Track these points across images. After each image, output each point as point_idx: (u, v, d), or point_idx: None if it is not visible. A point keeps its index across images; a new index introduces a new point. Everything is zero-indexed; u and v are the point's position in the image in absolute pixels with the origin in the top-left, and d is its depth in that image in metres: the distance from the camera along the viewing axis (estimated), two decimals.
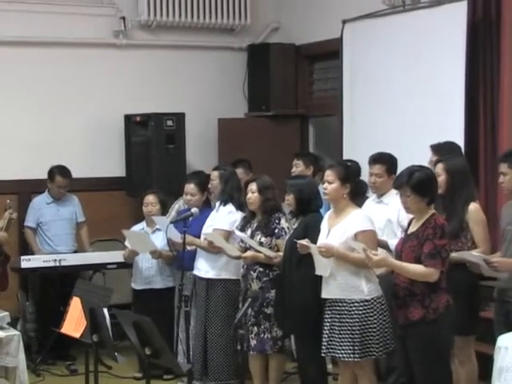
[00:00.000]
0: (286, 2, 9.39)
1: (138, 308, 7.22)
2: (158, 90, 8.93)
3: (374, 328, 5.48)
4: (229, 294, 6.70)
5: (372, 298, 5.49)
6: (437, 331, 5.02)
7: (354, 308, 5.49)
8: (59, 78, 8.57)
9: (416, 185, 5.06)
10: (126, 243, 7.46)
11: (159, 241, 7.29)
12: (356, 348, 5.48)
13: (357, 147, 7.79)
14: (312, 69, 9.38)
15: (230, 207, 6.77)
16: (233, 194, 6.81)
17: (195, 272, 6.88)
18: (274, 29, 9.47)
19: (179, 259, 6.75)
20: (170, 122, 8.50)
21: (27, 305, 7.81)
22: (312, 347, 5.86)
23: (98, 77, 8.72)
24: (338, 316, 5.55)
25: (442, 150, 6.14)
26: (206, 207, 7.05)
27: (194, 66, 9.16)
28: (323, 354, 5.70)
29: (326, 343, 5.60)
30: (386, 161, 6.25)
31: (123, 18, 8.80)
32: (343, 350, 5.52)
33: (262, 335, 6.32)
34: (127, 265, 7.63)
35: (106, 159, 8.74)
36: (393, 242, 5.67)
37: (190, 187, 7.05)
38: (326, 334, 5.60)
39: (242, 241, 6.51)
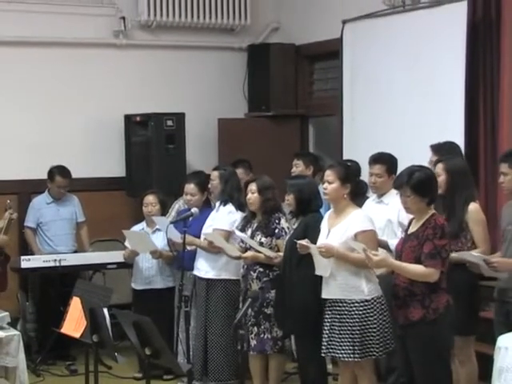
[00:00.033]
0: (286, 2, 9.39)
1: (138, 308, 7.22)
2: (158, 90, 8.93)
3: (374, 328, 5.47)
4: (229, 294, 6.70)
5: (372, 298, 5.50)
6: (437, 331, 5.02)
7: (354, 308, 5.49)
8: (59, 78, 8.57)
9: (416, 185, 5.06)
10: (126, 243, 7.46)
11: (159, 241, 7.29)
12: (356, 348, 5.48)
13: (357, 147, 7.79)
14: (312, 69, 9.38)
15: (230, 207, 6.77)
16: (233, 194, 6.81)
17: (195, 272, 6.88)
18: (274, 29, 9.47)
19: (179, 259, 6.75)
20: (170, 122, 8.50)
21: (27, 305, 7.81)
22: (312, 347, 5.86)
23: (97, 77, 8.72)
24: (338, 316, 5.55)
25: (442, 150, 6.15)
26: (206, 207, 7.05)
27: (194, 66, 9.16)
28: (323, 354, 5.70)
29: (326, 343, 5.60)
30: (386, 161, 6.25)
31: (123, 18, 8.80)
32: (343, 350, 5.52)
33: (262, 335, 6.32)
34: (127, 265, 7.63)
35: (106, 159, 8.74)
36: (393, 242, 5.67)
37: (190, 187, 7.05)
38: (326, 334, 5.60)
39: (242, 241, 6.51)
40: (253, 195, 6.39)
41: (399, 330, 5.22)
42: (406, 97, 7.42)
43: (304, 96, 9.33)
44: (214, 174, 6.98)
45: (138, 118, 8.60)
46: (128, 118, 8.66)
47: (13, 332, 5.95)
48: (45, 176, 7.89)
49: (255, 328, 6.32)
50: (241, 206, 6.72)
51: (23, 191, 8.32)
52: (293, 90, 9.27)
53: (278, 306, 6.16)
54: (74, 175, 7.93)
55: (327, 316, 5.61)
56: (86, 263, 7.77)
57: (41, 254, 7.75)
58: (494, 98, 6.88)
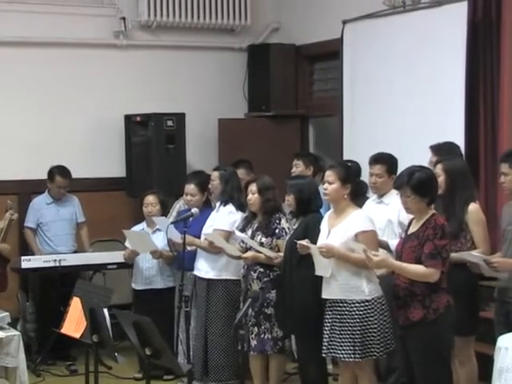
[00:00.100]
0: (286, 3, 9.39)
1: (139, 308, 7.22)
2: (158, 91, 8.93)
3: (375, 328, 5.48)
4: (229, 294, 6.70)
5: (373, 299, 5.50)
6: (437, 331, 5.02)
7: (354, 308, 5.49)
8: (59, 78, 8.57)
9: (416, 185, 5.06)
10: (127, 243, 7.46)
11: (159, 241, 7.29)
12: (357, 348, 5.48)
13: (357, 147, 7.80)
14: (312, 69, 9.38)
15: (231, 207, 6.77)
16: (233, 195, 6.81)
17: (195, 272, 6.88)
18: (274, 29, 9.47)
19: (179, 259, 6.74)
20: (170, 122, 8.50)
21: (27, 305, 7.81)
22: (312, 347, 5.86)
23: (98, 77, 8.73)
24: (338, 316, 5.55)
25: (442, 151, 6.14)
26: (207, 207, 7.05)
27: (194, 67, 9.16)
28: (324, 355, 5.70)
29: (326, 343, 5.60)
30: (386, 161, 6.25)
31: (123, 19, 8.81)
32: (344, 350, 5.52)
33: (262, 335, 6.32)
34: (127, 265, 7.63)
35: (106, 159, 8.74)
36: (393, 243, 5.66)
37: (190, 187, 7.05)
38: (327, 334, 5.60)
39: (242, 241, 6.51)
40: (253, 196, 6.39)
41: (399, 331, 5.23)
42: (405, 97, 7.42)
43: (304, 96, 9.33)
44: (215, 175, 6.98)
45: (138, 118, 8.60)
46: (128, 118, 8.66)
47: (13, 332, 5.94)
48: (45, 176, 7.89)
49: (255, 328, 6.32)
50: (241, 206, 6.72)
51: (23, 191, 8.32)
52: (293, 91, 9.27)
53: (279, 307, 6.16)
54: (74, 175, 7.93)
55: (328, 316, 5.61)
56: (86, 263, 7.77)
57: (41, 254, 7.75)
58: (494, 97, 6.88)
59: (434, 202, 5.16)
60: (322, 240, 5.63)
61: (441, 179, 5.62)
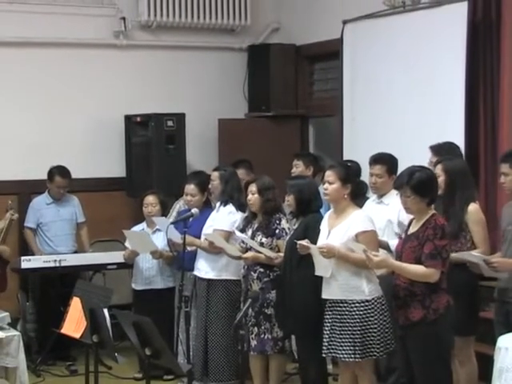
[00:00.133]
0: (286, 3, 9.39)
1: (139, 308, 7.22)
2: (158, 91, 8.93)
3: (375, 328, 5.48)
4: (229, 294, 6.70)
5: (373, 299, 5.50)
6: (437, 332, 5.02)
7: (354, 308, 5.49)
8: (59, 78, 8.57)
9: (416, 185, 5.06)
10: (127, 244, 7.46)
11: (159, 241, 7.29)
12: (357, 348, 5.47)
13: (357, 147, 7.79)
14: (312, 69, 9.38)
15: (231, 208, 6.77)
16: (233, 195, 6.81)
17: (195, 272, 6.88)
18: (274, 29, 9.47)
19: (179, 260, 6.74)
20: (170, 123, 8.50)
21: (27, 305, 7.81)
22: (312, 348, 5.86)
23: (98, 77, 8.73)
24: (338, 316, 5.55)
25: (442, 151, 6.14)
26: (207, 208, 7.04)
27: (195, 67, 9.16)
28: (324, 355, 5.70)
29: (326, 343, 5.60)
30: (386, 161, 6.24)
31: (123, 19, 8.81)
32: (344, 350, 5.52)
33: (262, 336, 6.32)
34: (127, 265, 7.62)
35: (106, 159, 8.74)
36: (393, 243, 5.67)
37: (190, 188, 7.04)
38: (327, 334, 5.60)
39: (242, 241, 6.51)
40: (253, 196, 6.39)
41: (399, 331, 5.23)
42: (405, 97, 7.42)
43: (304, 96, 9.33)
44: (215, 175, 6.98)
45: (138, 119, 8.60)
46: (128, 119, 8.66)
47: (13, 332, 5.95)
48: (45, 176, 7.89)
49: (255, 328, 6.32)
50: (241, 206, 6.72)
51: (23, 192, 8.32)
52: (293, 91, 9.26)
53: (279, 307, 6.16)
54: (74, 175, 7.93)
55: (328, 316, 5.61)
56: (86, 264, 7.77)
57: (41, 254, 7.75)
58: (494, 97, 6.88)
59: (434, 202, 5.16)
60: (322, 240, 5.63)
61: (441, 179, 5.62)
